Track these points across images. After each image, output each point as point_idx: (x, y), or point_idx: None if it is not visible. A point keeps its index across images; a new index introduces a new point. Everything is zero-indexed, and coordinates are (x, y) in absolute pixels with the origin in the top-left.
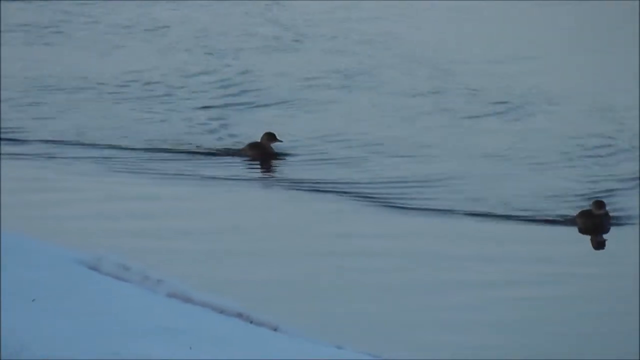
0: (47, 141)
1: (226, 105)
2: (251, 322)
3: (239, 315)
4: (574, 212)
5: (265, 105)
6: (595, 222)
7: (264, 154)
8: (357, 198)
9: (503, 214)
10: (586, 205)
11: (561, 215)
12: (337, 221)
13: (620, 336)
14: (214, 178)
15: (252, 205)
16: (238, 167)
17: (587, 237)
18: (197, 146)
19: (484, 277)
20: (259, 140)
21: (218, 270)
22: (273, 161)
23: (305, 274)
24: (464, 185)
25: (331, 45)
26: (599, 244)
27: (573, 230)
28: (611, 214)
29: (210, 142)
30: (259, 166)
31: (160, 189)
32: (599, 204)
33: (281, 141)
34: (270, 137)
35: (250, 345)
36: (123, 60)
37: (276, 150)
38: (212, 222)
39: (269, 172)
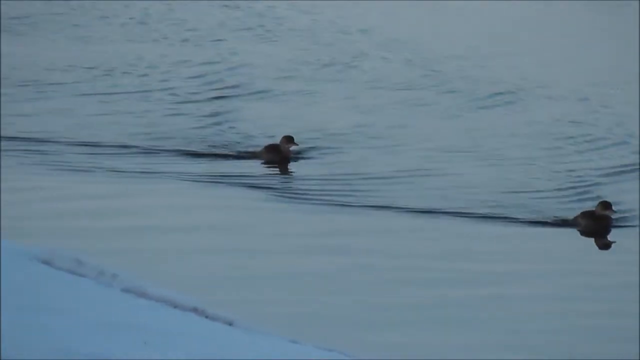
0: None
1: (211, 98)
2: (206, 317)
3: (194, 310)
4: (572, 213)
5: (246, 96)
6: (600, 224)
7: (281, 157)
8: (324, 197)
9: (499, 215)
10: (563, 202)
11: (558, 217)
12: (295, 220)
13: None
14: (197, 177)
15: (211, 204)
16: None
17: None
18: (212, 147)
19: (448, 275)
20: (275, 143)
21: (173, 266)
22: (290, 164)
23: (260, 269)
24: (446, 183)
25: (311, 37)
26: (605, 246)
27: (573, 232)
28: (613, 216)
29: (213, 140)
30: (276, 169)
31: (128, 188)
32: (606, 205)
33: (297, 144)
34: (288, 140)
35: (206, 340)
36: (98, 50)
37: (293, 154)
38: (171, 219)
39: (285, 175)
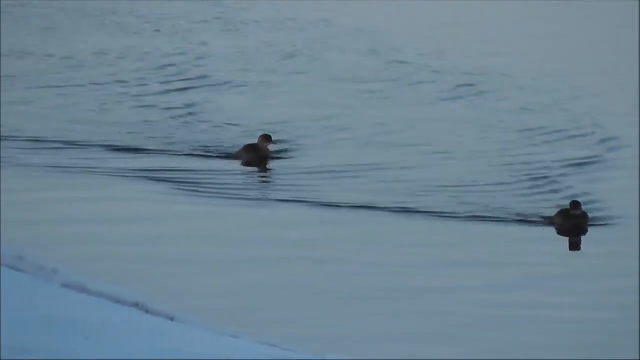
0: None
1: (173, 90)
2: (147, 312)
3: (135, 305)
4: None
5: (209, 89)
6: (574, 223)
7: (259, 156)
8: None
9: (473, 214)
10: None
11: (538, 215)
12: (240, 218)
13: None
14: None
15: (149, 202)
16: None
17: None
18: (189, 147)
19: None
20: (254, 143)
21: (115, 261)
22: (269, 164)
23: (202, 266)
24: (409, 178)
25: (274, 29)
26: (574, 245)
27: (551, 231)
28: (589, 215)
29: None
30: (255, 169)
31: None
32: (575, 205)
33: (276, 143)
34: (267, 139)
35: (147, 335)
36: (60, 42)
37: (272, 153)
38: (114, 217)
39: (264, 174)
